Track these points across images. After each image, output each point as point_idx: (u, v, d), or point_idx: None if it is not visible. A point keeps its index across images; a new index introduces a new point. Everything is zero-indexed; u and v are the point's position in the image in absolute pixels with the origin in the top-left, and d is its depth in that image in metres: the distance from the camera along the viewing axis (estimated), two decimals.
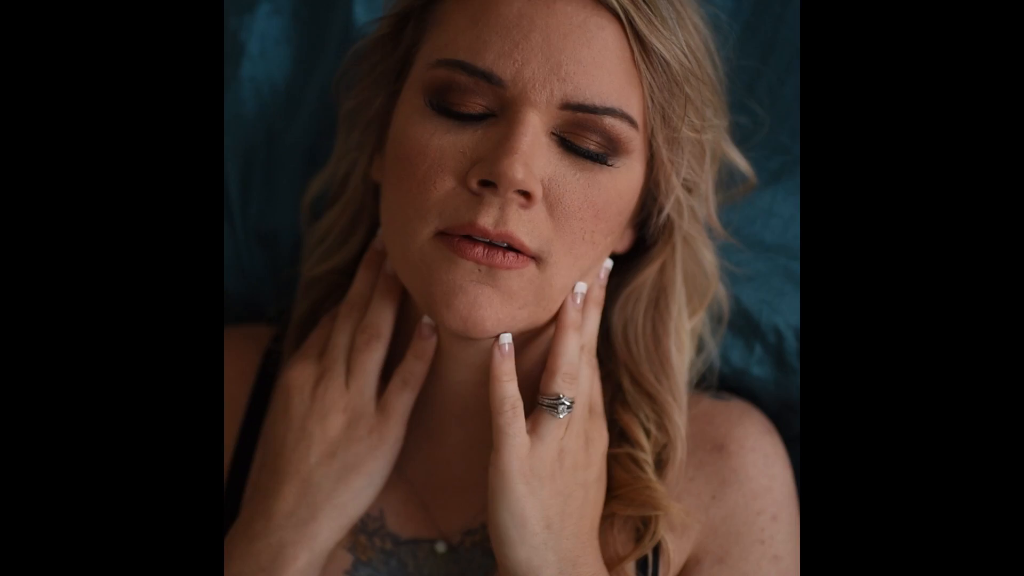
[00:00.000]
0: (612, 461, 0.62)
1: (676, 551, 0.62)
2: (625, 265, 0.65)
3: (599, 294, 0.63)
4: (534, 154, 0.54)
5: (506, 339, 0.59)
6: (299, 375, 0.63)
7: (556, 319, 0.61)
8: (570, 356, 0.60)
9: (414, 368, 0.63)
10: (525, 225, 0.55)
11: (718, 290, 0.67)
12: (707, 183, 0.63)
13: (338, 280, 0.69)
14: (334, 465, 0.61)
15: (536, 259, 0.56)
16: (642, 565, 0.61)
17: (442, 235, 0.56)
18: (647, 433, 0.63)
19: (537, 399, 0.59)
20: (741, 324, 0.69)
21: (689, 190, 0.62)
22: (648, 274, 0.64)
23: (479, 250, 0.55)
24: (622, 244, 0.65)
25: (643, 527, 0.61)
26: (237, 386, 0.70)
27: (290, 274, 0.74)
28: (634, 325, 0.65)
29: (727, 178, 0.67)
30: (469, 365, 0.62)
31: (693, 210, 0.63)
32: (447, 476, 0.66)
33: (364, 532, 0.65)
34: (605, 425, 0.62)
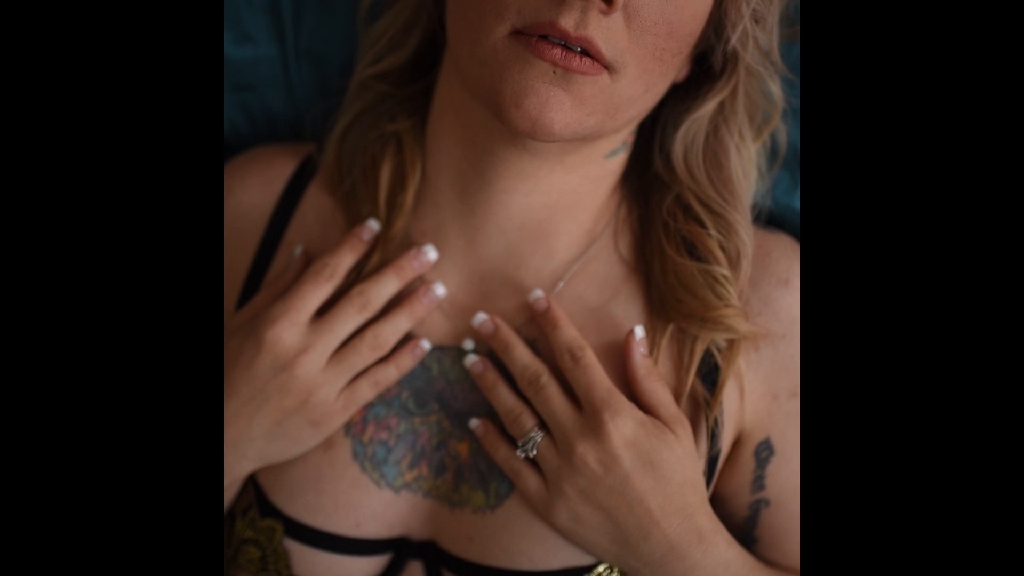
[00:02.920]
0: (688, 278, 0.63)
1: (749, 382, 0.64)
2: (685, 94, 0.66)
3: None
4: None
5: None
6: (281, 339, 0.62)
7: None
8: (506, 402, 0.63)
9: (389, 375, 0.64)
10: (603, 32, 0.55)
11: (776, 125, 0.68)
12: (774, 15, 0.63)
13: (387, 91, 0.69)
14: (274, 429, 0.63)
15: (609, 68, 0.56)
16: (708, 386, 0.63)
17: (518, 34, 0.56)
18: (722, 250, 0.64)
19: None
20: (788, 157, 0.70)
21: (756, 20, 0.63)
22: (710, 104, 0.65)
23: (557, 52, 0.55)
24: (681, 74, 0.65)
25: (716, 352, 0.63)
26: (265, 191, 0.71)
27: (338, 94, 0.74)
28: (696, 151, 0.66)
29: (793, 13, 0.67)
30: (519, 172, 0.63)
31: (757, 41, 0.63)
32: (480, 288, 0.67)
33: None
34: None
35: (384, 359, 0.65)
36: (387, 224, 0.68)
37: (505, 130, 0.60)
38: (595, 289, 0.66)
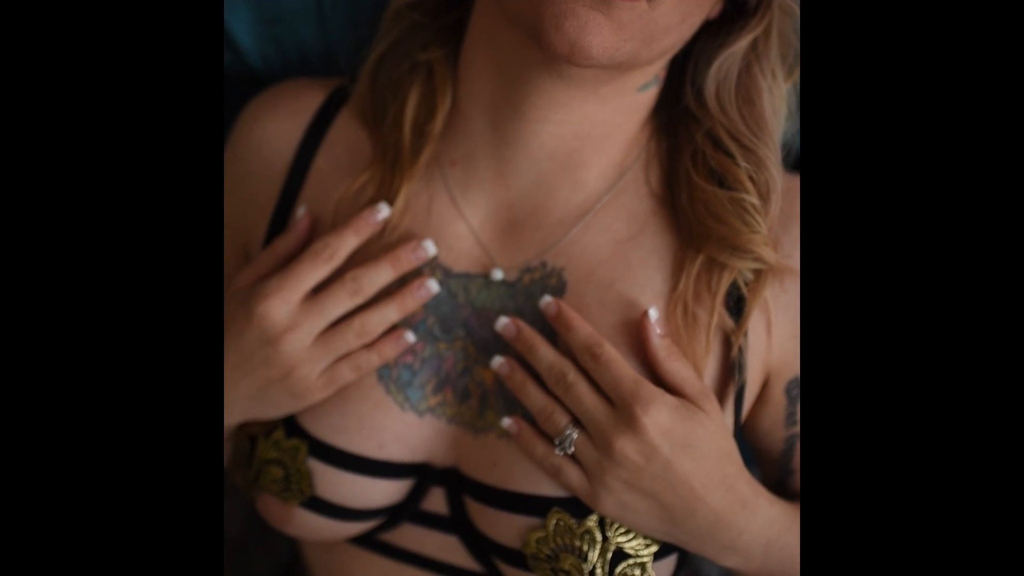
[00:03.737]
0: (718, 206, 0.64)
1: (777, 321, 0.65)
2: (718, 31, 0.66)
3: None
4: None
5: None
6: (271, 315, 0.64)
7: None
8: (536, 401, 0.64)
9: (371, 362, 0.65)
10: None
11: None
12: None
13: (421, 21, 0.69)
14: (258, 394, 0.65)
15: None
16: (734, 317, 0.64)
17: None
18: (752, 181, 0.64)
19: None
20: None
21: None
22: (743, 41, 0.65)
23: None
24: (714, 11, 0.65)
25: (743, 285, 0.64)
26: (293, 121, 0.72)
27: (370, 26, 0.74)
28: (728, 88, 0.66)
29: None
30: (551, 101, 0.63)
31: None
32: (508, 218, 0.68)
33: None
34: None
35: (369, 345, 0.66)
36: (414, 151, 0.68)
37: (541, 56, 0.60)
38: (624, 221, 0.67)
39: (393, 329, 0.66)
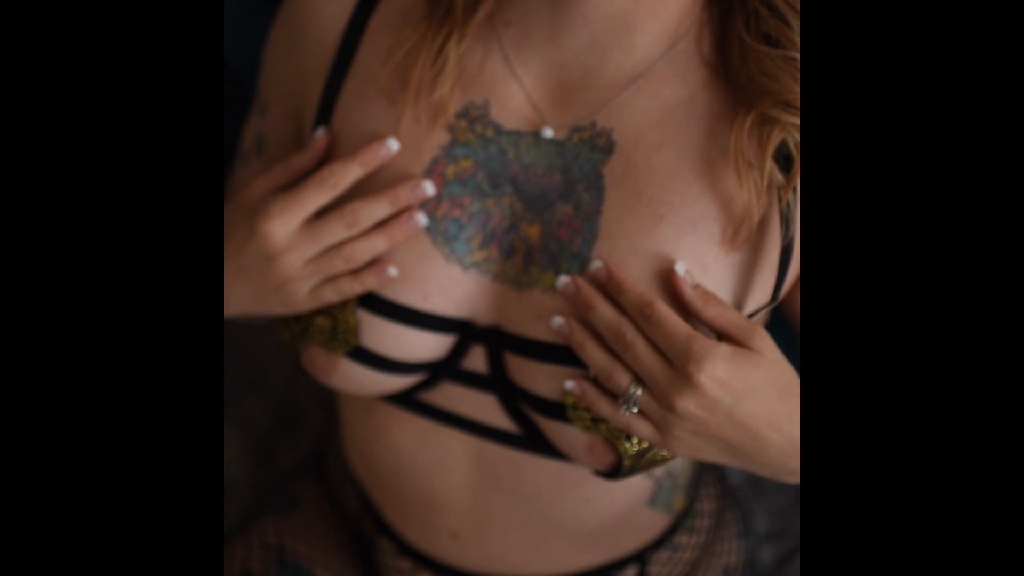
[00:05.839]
0: (770, 65, 0.64)
1: None
2: None
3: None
4: None
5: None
6: (271, 235, 0.67)
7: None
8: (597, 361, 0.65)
9: (353, 288, 0.68)
10: None
11: None
12: None
13: None
14: (253, 299, 0.70)
15: None
16: (783, 173, 0.65)
17: None
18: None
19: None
20: None
21: None
22: None
23: None
24: None
25: (792, 145, 0.64)
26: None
27: None
28: None
29: None
30: None
31: None
32: (560, 78, 0.68)
33: (465, 117, 0.68)
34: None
35: (355, 273, 0.68)
36: (468, 10, 0.69)
37: None
38: (675, 87, 0.67)
39: (378, 261, 0.69)
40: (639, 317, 0.63)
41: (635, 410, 0.64)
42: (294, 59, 0.75)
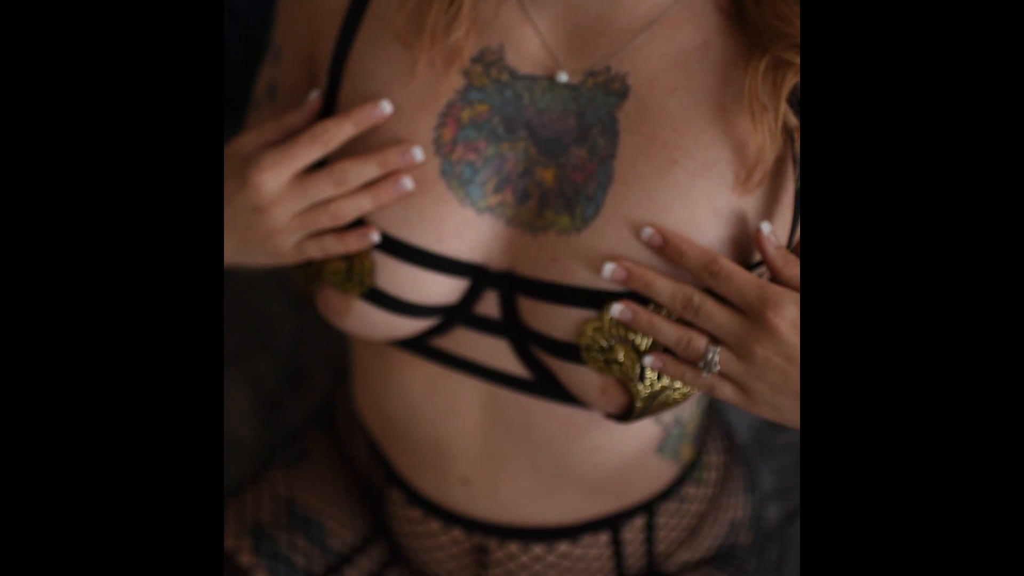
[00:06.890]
0: (784, 8, 0.64)
1: None
2: None
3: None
4: None
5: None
6: (261, 187, 0.68)
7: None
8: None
9: (336, 247, 0.69)
10: None
11: None
12: None
13: None
14: (240, 248, 0.72)
15: None
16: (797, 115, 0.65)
17: None
18: None
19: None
20: None
21: None
22: None
23: None
24: None
25: None
26: None
27: None
28: None
29: None
30: None
31: None
32: (575, 23, 0.68)
33: (481, 62, 0.69)
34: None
35: (339, 232, 0.69)
36: None
37: None
38: (689, 33, 0.68)
39: (363, 223, 0.70)
40: (706, 275, 0.63)
41: (716, 370, 0.64)
42: (309, 5, 0.75)
